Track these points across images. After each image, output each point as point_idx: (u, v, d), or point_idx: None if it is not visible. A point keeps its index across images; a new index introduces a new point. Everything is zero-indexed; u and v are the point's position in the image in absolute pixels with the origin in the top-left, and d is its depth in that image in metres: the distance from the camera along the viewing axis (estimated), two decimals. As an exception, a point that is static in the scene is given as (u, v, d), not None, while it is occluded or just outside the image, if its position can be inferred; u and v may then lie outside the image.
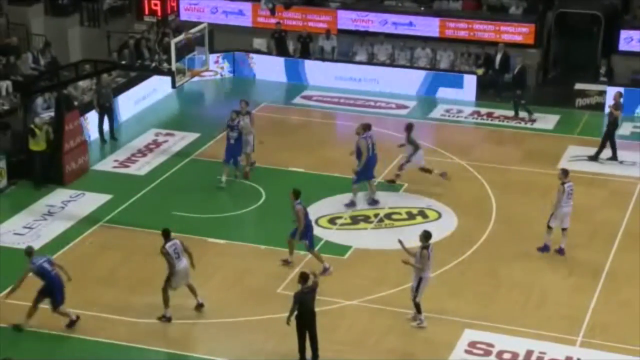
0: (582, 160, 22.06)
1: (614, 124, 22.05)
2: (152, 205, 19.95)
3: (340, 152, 21.87)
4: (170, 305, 15.64)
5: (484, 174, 21.31)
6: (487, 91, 26.06)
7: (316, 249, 17.47)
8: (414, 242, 18.15)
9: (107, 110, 23.01)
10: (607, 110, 23.55)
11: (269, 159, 21.92)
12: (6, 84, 23.08)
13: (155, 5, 24.29)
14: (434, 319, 15.80)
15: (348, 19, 28.03)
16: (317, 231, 18.73)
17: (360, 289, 16.64)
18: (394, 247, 18.00)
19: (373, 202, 19.77)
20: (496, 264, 17.62)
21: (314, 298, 14.45)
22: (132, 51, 25.74)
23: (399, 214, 19.53)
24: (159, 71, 22.68)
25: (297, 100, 26.30)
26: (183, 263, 15.62)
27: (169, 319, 15.67)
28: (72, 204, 19.94)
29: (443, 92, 26.19)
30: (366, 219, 19.31)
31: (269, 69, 27.58)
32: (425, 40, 27.32)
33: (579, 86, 25.57)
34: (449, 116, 25.12)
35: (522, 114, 24.69)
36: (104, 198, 20.09)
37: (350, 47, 27.82)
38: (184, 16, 28.74)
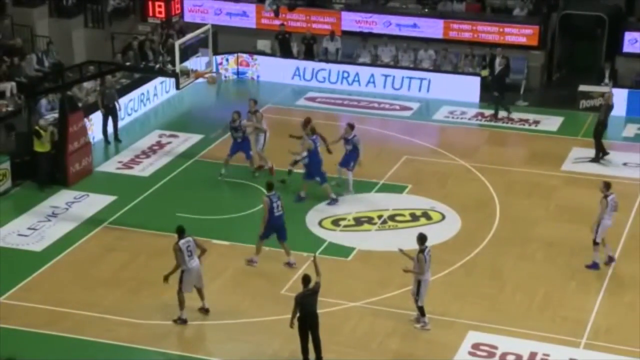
0: (586, 162, 22.04)
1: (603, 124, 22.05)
2: (156, 206, 19.97)
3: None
4: (185, 307, 15.60)
5: (487, 176, 21.31)
6: (491, 93, 26.03)
7: (318, 252, 17.47)
8: (416, 243, 18.17)
9: (111, 111, 23.05)
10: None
11: (273, 160, 21.92)
12: (11, 86, 23.13)
13: (160, 6, 24.30)
14: (438, 320, 15.79)
15: (352, 21, 28.03)
16: (320, 233, 18.78)
17: (364, 290, 16.64)
18: (397, 249, 18.07)
19: (333, 201, 19.77)
20: (500, 265, 17.61)
21: (316, 300, 14.45)
22: (137, 53, 25.78)
23: (403, 215, 19.53)
24: (163, 73, 22.70)
25: (301, 101, 26.32)
26: (195, 262, 15.59)
27: (184, 321, 15.67)
28: (76, 205, 19.97)
29: (447, 94, 26.18)
30: (370, 220, 19.32)
31: (273, 70, 27.61)
32: (427, 41, 27.33)
33: (583, 88, 25.55)
34: (452, 118, 25.12)
35: (508, 114, 24.72)
36: (108, 199, 20.12)
37: (354, 48, 27.82)
38: (188, 17, 28.79)
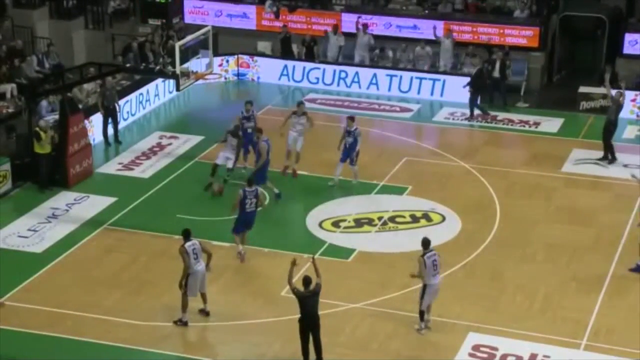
0: (586, 164, 22.04)
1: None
2: (156, 208, 19.98)
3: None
4: (188, 310, 15.60)
5: (487, 177, 21.31)
6: (492, 95, 26.06)
7: (318, 253, 17.48)
8: (419, 245, 18.19)
9: (111, 112, 23.06)
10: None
11: (273, 162, 21.90)
12: (11, 87, 23.14)
13: (160, 8, 24.36)
14: (438, 322, 15.79)
15: (352, 22, 28.02)
16: (321, 234, 18.77)
17: (364, 292, 16.63)
18: (398, 250, 18.10)
19: (278, 196, 19.88)
20: (500, 267, 17.61)
21: (317, 302, 14.44)
22: (137, 54, 25.79)
23: (403, 217, 19.54)
24: (163, 74, 22.70)
25: (301, 103, 26.29)
26: (201, 266, 15.59)
27: (185, 323, 15.66)
28: (76, 206, 19.97)
29: (447, 95, 26.20)
30: (370, 222, 19.32)
31: (273, 71, 27.62)
32: (428, 43, 27.35)
33: (583, 89, 25.55)
34: (452, 119, 25.12)
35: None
36: (108, 201, 20.12)
37: (353, 49, 27.83)
38: (189, 19, 28.81)
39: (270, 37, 28.61)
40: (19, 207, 19.88)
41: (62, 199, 20.27)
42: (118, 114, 23.31)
